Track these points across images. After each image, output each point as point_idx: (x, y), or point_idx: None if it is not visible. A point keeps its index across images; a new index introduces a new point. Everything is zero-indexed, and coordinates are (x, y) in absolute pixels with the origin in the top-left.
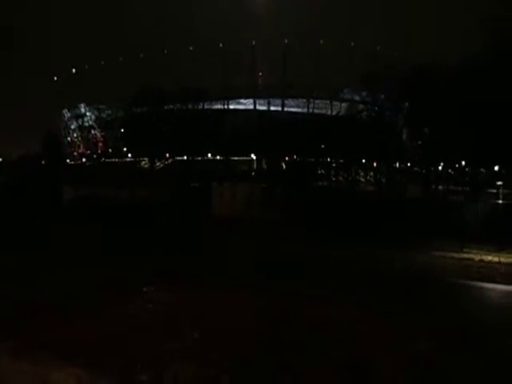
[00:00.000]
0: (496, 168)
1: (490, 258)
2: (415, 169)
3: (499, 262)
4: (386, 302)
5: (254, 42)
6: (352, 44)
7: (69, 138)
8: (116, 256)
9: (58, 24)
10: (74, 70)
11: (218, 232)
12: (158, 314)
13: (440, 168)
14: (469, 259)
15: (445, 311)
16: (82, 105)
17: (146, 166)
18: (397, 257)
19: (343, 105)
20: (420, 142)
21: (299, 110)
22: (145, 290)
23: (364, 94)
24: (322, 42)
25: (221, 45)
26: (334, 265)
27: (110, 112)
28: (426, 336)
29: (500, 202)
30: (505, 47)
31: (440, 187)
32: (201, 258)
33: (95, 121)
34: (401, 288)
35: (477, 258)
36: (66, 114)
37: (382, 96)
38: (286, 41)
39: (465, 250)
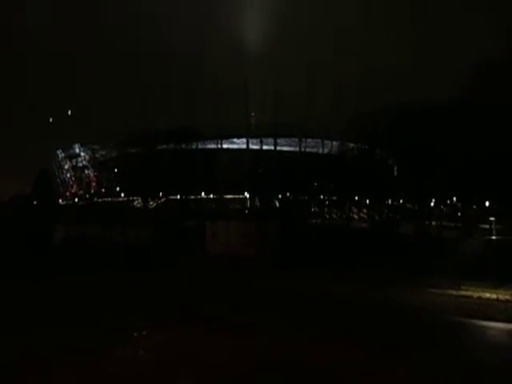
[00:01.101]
0: (487, 203)
1: (488, 295)
2: (408, 205)
3: (498, 299)
4: (386, 342)
5: (246, 82)
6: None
7: (62, 178)
8: (110, 298)
9: (54, 65)
10: (69, 112)
11: (212, 272)
12: (151, 361)
13: (432, 204)
14: (467, 296)
15: (446, 351)
16: (77, 145)
17: (138, 205)
18: (394, 294)
19: (334, 143)
20: (411, 179)
21: (291, 148)
22: (135, 334)
23: (354, 132)
24: (313, 80)
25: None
26: (333, 303)
27: (103, 152)
28: (428, 376)
29: (493, 237)
30: (492, 89)
31: (433, 223)
32: (196, 299)
33: (89, 161)
34: (401, 327)
35: (475, 295)
36: (60, 154)
37: (372, 134)
38: (277, 80)
39: (462, 287)
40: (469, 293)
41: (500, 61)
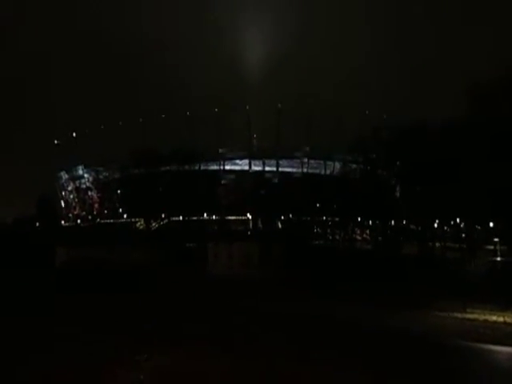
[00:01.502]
0: (491, 224)
1: (494, 318)
2: (411, 226)
3: (504, 322)
4: (391, 367)
5: (247, 107)
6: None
7: (65, 200)
8: (117, 321)
9: (57, 91)
10: (74, 134)
11: (215, 294)
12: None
13: (435, 225)
14: (473, 320)
15: (453, 376)
16: (80, 167)
17: (141, 226)
18: (399, 317)
19: (336, 164)
20: (414, 200)
21: (293, 170)
22: (137, 358)
23: (356, 154)
24: (313, 103)
25: (216, 109)
26: (337, 326)
27: (107, 174)
28: None
29: (498, 259)
30: (486, 111)
31: (437, 244)
32: (200, 321)
33: (92, 182)
34: (408, 351)
35: (481, 318)
36: (64, 175)
37: (374, 156)
38: (279, 105)
39: (468, 309)
40: (475, 316)
41: (492, 89)
